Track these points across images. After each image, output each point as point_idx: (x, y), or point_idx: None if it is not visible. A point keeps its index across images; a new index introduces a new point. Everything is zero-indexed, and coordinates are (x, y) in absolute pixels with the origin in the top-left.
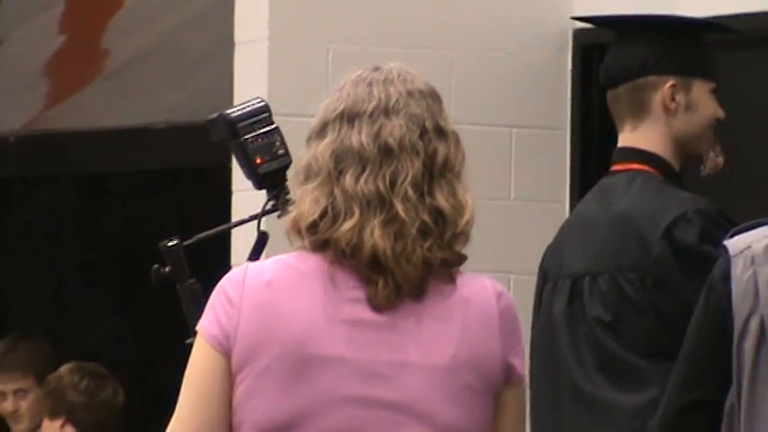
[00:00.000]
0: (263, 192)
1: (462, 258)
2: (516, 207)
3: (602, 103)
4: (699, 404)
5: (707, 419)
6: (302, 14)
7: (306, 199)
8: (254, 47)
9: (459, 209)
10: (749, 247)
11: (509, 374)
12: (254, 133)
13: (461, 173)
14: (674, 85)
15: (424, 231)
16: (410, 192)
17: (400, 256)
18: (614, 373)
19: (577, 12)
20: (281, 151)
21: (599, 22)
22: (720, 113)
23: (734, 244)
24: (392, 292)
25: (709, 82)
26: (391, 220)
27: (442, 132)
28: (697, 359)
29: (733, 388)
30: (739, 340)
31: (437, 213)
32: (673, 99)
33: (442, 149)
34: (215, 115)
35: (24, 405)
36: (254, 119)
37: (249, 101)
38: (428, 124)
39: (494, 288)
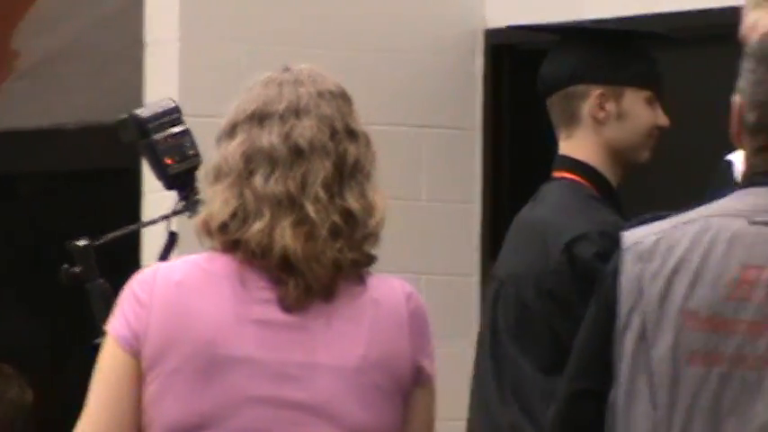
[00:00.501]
0: (174, 192)
1: (372, 259)
2: (427, 208)
3: (512, 104)
4: (586, 394)
5: (593, 408)
6: (213, 15)
7: (216, 200)
8: (165, 47)
9: (369, 210)
10: (640, 242)
11: (418, 375)
12: (164, 134)
13: (372, 174)
14: (602, 95)
15: (334, 232)
16: (321, 193)
17: (310, 257)
18: (523, 393)
19: (489, 13)
20: (191, 152)
21: (536, 29)
22: (662, 121)
23: (627, 238)
24: (302, 293)
25: (643, 90)
26: (302, 221)
27: (352, 133)
28: (585, 350)
29: (614, 380)
30: (621, 334)
31: (347, 214)
32: (602, 108)
33: (352, 150)
34: (125, 116)
35: None
36: (165, 119)
37: (159, 101)
38: (338, 125)
39: (403, 289)
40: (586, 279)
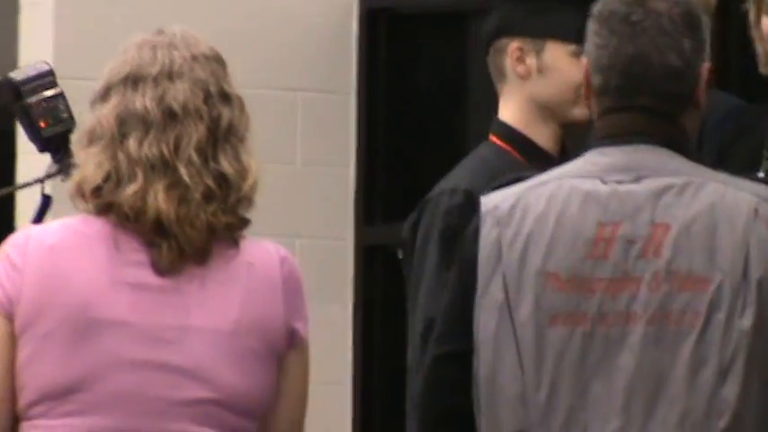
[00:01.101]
0: (48, 155)
1: (246, 223)
2: (302, 172)
3: (388, 68)
4: (450, 356)
5: (459, 371)
6: None
7: (89, 163)
8: (40, 9)
9: (242, 173)
10: (496, 206)
11: (292, 339)
12: (37, 96)
13: (246, 137)
14: (520, 48)
15: (207, 196)
16: (194, 156)
17: (184, 220)
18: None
19: None
20: (65, 115)
21: None
22: None
23: (485, 202)
24: (176, 257)
25: (567, 44)
26: (175, 184)
27: (226, 97)
28: (449, 312)
29: (475, 343)
30: (481, 299)
31: (221, 178)
32: (521, 62)
33: (226, 114)
34: None
35: None
36: (39, 82)
37: (34, 64)
38: (212, 89)
39: (277, 252)
40: (421, 237)
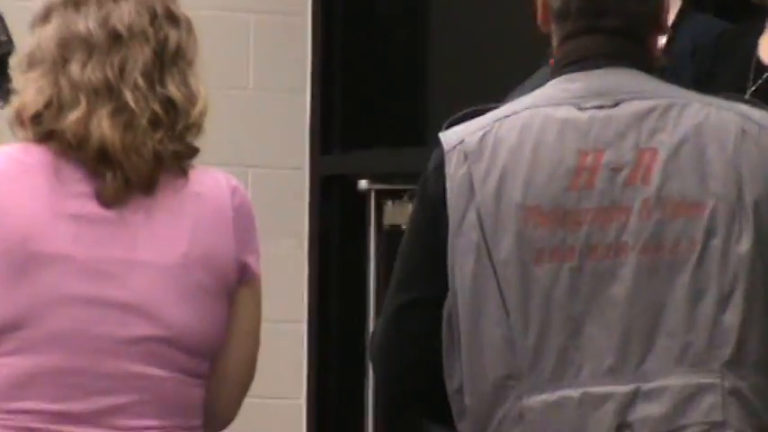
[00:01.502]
0: None
1: (195, 151)
2: (254, 97)
3: None
4: (415, 303)
5: (428, 319)
6: None
7: (29, 88)
8: None
9: (191, 99)
10: (462, 141)
11: (243, 273)
12: None
13: (194, 61)
14: None
15: (154, 122)
16: (140, 81)
17: (130, 148)
18: None
19: None
20: (3, 38)
21: None
22: None
23: (448, 137)
24: (121, 186)
25: None
26: (120, 110)
27: (173, 18)
28: (412, 257)
29: (450, 289)
30: (455, 240)
31: (168, 103)
32: None
33: (173, 36)
34: None
35: None
36: None
37: None
38: (159, 9)
39: (228, 182)
40: None
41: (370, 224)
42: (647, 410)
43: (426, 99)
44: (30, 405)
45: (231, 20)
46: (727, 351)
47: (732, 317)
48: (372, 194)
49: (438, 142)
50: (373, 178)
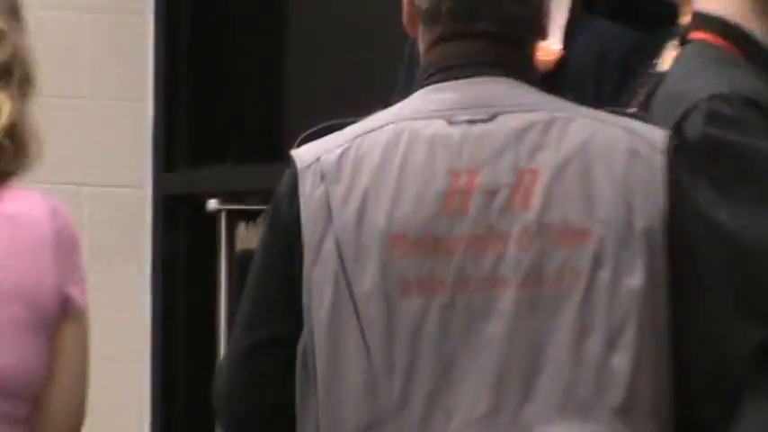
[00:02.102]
0: None
1: (11, 172)
2: (90, 106)
3: None
4: (267, 342)
5: (279, 360)
6: None
7: None
8: None
9: None
10: (318, 159)
11: (66, 307)
12: None
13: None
14: None
15: None
16: None
17: None
18: None
19: None
20: None
21: None
22: None
23: (302, 155)
24: None
25: None
26: None
27: None
28: (263, 290)
29: (306, 326)
30: (309, 271)
31: None
32: None
33: None
34: None
35: None
36: None
37: None
38: None
39: (47, 204)
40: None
41: (220, 248)
42: None
43: (283, 110)
44: None
45: (64, 20)
46: (616, 397)
47: (622, 359)
48: (223, 215)
49: (291, 161)
50: (224, 197)
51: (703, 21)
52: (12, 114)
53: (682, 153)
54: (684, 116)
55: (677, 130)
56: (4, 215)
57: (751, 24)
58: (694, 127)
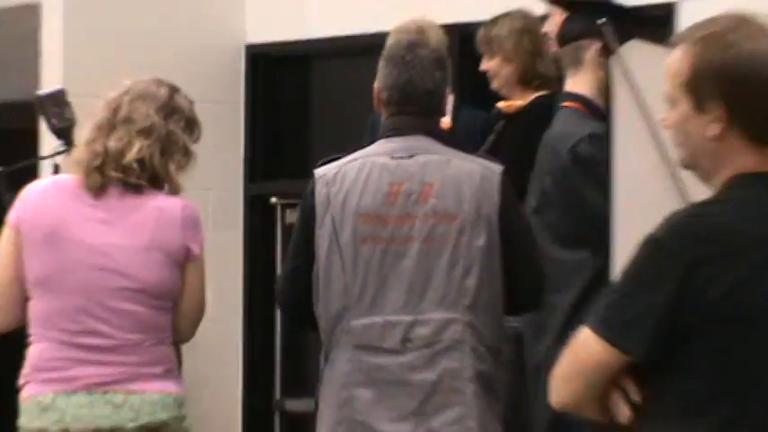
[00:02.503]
0: (58, 140)
1: (174, 185)
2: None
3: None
4: (298, 268)
5: (306, 278)
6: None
7: (80, 150)
8: (53, 43)
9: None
10: (324, 174)
11: (187, 254)
12: (55, 107)
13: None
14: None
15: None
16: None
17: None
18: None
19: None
20: (68, 116)
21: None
22: None
23: (318, 172)
24: (113, 204)
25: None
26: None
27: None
28: (298, 241)
29: (316, 259)
30: (319, 230)
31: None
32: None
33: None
34: (35, 95)
35: None
36: (56, 98)
37: (53, 87)
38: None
39: (181, 201)
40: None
41: (277, 224)
42: (420, 332)
43: (311, 150)
44: (64, 325)
45: None
46: (467, 300)
47: (471, 280)
48: (279, 206)
49: (312, 175)
50: (279, 196)
51: (570, 96)
52: (141, 151)
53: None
54: (577, 143)
55: (573, 152)
56: (155, 206)
57: (594, 96)
58: (584, 149)
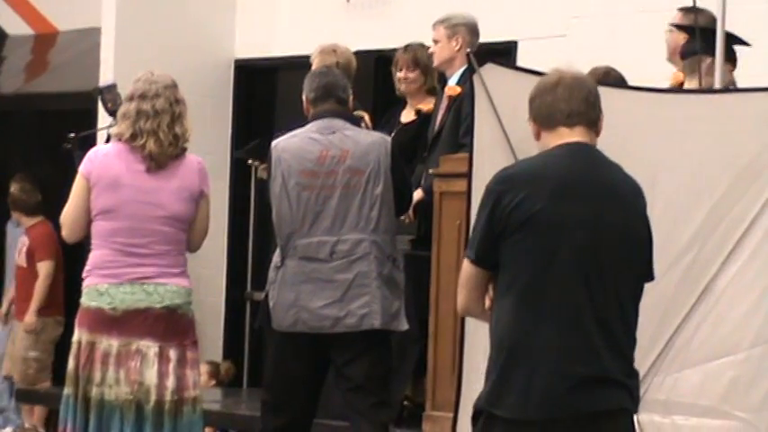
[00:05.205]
0: (111, 117)
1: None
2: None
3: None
4: (267, 200)
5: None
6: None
7: (122, 124)
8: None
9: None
10: (278, 144)
11: (201, 193)
12: (110, 93)
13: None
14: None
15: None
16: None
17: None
18: None
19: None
20: (119, 101)
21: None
22: None
23: (274, 142)
24: (153, 165)
25: None
26: (158, 140)
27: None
28: (268, 186)
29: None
30: (273, 181)
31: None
32: None
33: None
34: (94, 87)
35: None
36: (110, 88)
37: (107, 80)
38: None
39: (197, 159)
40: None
41: (252, 179)
42: (341, 247)
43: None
44: (118, 239)
45: None
46: (372, 226)
47: (375, 212)
48: (253, 166)
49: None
50: (255, 158)
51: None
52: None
53: None
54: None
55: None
56: (183, 164)
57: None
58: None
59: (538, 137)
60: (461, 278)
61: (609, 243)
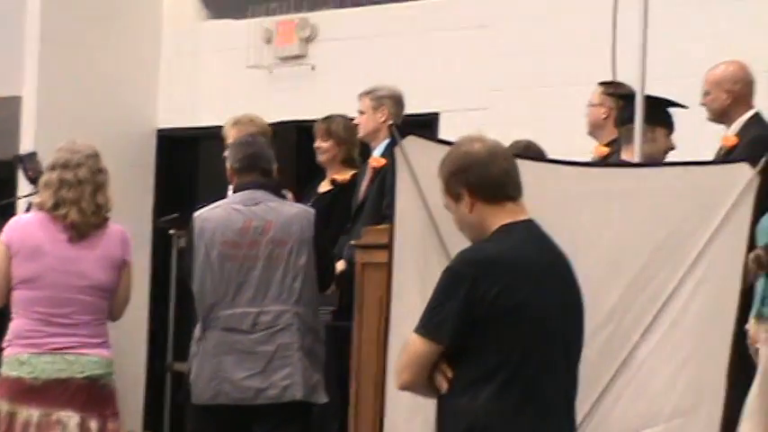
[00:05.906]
0: (31, 186)
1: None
2: None
3: None
4: (187, 277)
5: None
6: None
7: (44, 193)
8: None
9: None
10: (201, 215)
11: (124, 263)
12: (30, 162)
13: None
14: None
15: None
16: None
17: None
18: None
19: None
20: (40, 169)
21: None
22: None
23: (196, 213)
24: (75, 234)
25: None
26: (81, 210)
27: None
28: (188, 263)
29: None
30: (196, 251)
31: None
32: None
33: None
34: (14, 155)
35: None
36: (30, 156)
37: (28, 150)
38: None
39: (120, 229)
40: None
41: (173, 245)
42: (264, 318)
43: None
44: (39, 309)
45: None
46: (294, 298)
47: (297, 284)
48: (174, 235)
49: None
50: (176, 227)
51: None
52: (89, 197)
53: None
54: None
55: None
56: (106, 233)
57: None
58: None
59: (470, 209)
60: (409, 356)
61: (572, 325)
